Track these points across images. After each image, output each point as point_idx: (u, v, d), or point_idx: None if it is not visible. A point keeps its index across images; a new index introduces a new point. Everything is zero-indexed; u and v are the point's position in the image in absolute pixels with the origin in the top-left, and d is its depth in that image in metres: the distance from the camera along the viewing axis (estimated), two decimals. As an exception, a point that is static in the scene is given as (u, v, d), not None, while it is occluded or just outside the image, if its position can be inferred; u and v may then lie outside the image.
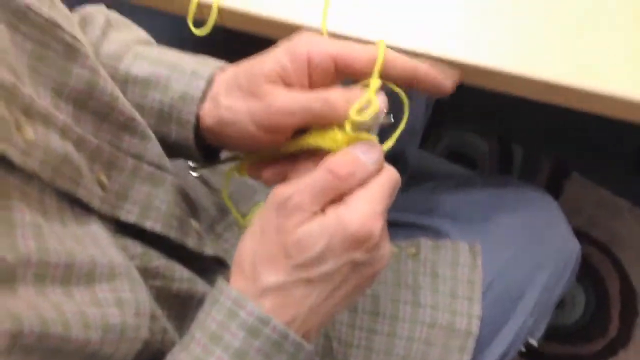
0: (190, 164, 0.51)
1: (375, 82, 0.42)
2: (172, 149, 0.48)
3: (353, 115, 0.41)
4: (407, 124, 0.44)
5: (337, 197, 0.40)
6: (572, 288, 1.23)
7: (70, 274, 0.36)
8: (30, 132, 0.35)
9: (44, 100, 0.38)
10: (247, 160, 0.49)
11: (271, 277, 0.39)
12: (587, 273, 1.24)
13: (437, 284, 0.65)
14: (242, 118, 0.43)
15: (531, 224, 0.70)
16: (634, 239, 1.27)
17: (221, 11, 0.58)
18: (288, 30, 0.57)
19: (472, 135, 1.39)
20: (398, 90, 0.44)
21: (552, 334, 1.20)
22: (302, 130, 0.44)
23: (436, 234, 0.70)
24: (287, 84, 0.43)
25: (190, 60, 0.48)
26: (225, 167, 0.53)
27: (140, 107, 0.47)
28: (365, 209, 0.39)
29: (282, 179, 0.45)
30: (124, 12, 0.57)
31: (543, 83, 0.54)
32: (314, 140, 0.43)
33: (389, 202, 0.41)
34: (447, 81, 0.46)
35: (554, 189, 1.32)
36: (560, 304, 0.75)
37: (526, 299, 0.68)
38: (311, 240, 0.38)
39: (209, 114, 0.46)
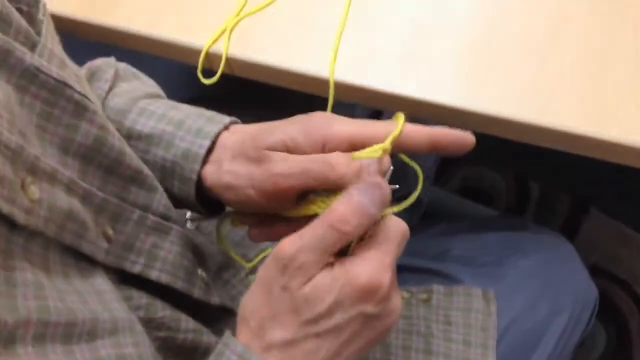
0: (188, 215, 0.52)
1: (388, 144, 0.41)
2: (176, 201, 0.48)
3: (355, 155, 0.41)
4: (420, 165, 0.44)
5: (344, 246, 0.39)
6: (592, 326, 1.20)
7: (72, 332, 0.35)
8: (36, 191, 0.35)
9: (50, 158, 0.38)
10: (244, 216, 0.49)
11: (279, 334, 0.39)
12: (607, 311, 1.21)
13: (449, 331, 0.64)
14: (242, 183, 0.44)
15: (547, 269, 0.69)
16: (655, 276, 1.24)
17: (230, 61, 0.59)
18: (295, 79, 0.57)
19: (489, 170, 1.37)
20: (413, 164, 0.44)
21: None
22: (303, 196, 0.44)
23: (449, 279, 0.68)
24: (293, 154, 0.43)
25: (197, 118, 0.48)
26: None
27: (144, 162, 0.47)
28: (374, 261, 0.38)
29: (268, 239, 0.46)
30: (136, 59, 0.58)
31: (550, 131, 0.54)
32: (319, 207, 0.42)
33: (398, 253, 0.40)
34: (467, 135, 0.44)
35: (573, 225, 1.30)
36: (580, 343, 0.73)
37: (542, 346, 0.66)
38: (320, 295, 0.38)
39: (210, 176, 0.46)
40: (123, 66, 0.56)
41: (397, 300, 0.40)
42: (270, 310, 0.39)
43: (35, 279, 0.34)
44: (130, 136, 0.48)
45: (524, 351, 0.65)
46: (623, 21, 0.57)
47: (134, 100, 0.50)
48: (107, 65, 0.54)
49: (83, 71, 0.53)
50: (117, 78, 0.53)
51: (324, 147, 0.42)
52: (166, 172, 0.48)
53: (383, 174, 0.42)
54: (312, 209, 0.43)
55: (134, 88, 0.53)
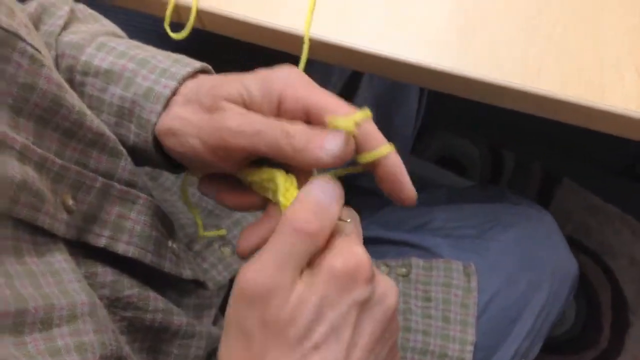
0: None
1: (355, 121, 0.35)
2: (132, 155, 0.43)
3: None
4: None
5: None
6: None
7: (23, 322, 0.32)
8: None
9: (0, 123, 0.33)
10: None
11: None
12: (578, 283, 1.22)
13: (429, 307, 0.61)
14: (187, 130, 0.39)
15: (528, 242, 0.67)
16: (625, 247, 1.25)
17: (201, 14, 0.54)
18: (269, 34, 0.53)
19: (463, 140, 1.36)
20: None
21: (542, 345, 1.18)
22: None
23: (428, 252, 0.66)
24: (249, 109, 0.38)
25: (163, 58, 0.43)
26: None
27: (100, 102, 0.43)
28: (340, 246, 0.34)
29: (236, 207, 0.41)
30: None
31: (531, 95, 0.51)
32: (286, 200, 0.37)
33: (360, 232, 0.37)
34: (409, 187, 0.38)
35: (545, 195, 1.30)
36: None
37: (522, 321, 0.64)
38: (301, 307, 0.33)
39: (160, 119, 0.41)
40: (81, 7, 0.50)
41: (386, 281, 0.36)
42: (258, 352, 0.33)
43: None
44: (86, 72, 0.43)
45: (504, 326, 0.64)
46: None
47: (92, 36, 0.45)
48: (61, 1, 0.48)
49: (33, 4, 0.47)
50: (72, 16, 0.47)
51: (279, 106, 0.37)
52: (123, 114, 0.42)
53: (349, 156, 0.36)
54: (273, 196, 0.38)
55: (94, 26, 0.47)
